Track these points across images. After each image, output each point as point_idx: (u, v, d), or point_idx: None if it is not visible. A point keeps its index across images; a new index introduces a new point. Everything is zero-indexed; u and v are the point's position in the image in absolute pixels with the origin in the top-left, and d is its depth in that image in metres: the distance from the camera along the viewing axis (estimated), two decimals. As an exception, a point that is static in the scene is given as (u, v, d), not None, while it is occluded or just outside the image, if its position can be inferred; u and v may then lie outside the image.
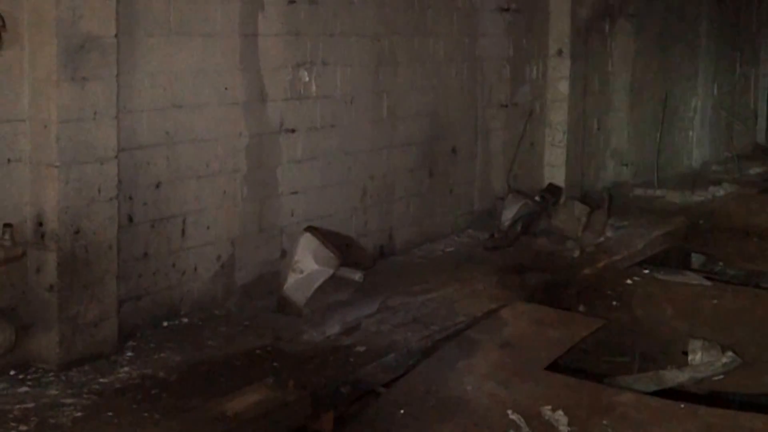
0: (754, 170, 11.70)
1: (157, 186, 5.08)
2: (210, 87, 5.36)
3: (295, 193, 6.00)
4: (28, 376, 4.34)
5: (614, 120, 9.99)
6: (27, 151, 4.43)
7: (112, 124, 4.64)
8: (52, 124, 4.38)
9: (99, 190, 4.58)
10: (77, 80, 4.44)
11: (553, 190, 8.15)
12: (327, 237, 5.48)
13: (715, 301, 6.35)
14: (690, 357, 5.16)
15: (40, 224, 4.44)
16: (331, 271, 5.43)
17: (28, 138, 4.42)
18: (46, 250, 4.44)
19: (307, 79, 6.06)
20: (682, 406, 4.44)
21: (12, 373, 4.35)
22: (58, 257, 4.43)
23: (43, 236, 4.44)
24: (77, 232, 4.50)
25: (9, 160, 4.38)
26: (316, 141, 6.16)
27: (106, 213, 4.63)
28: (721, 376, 5.05)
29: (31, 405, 4.03)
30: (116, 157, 4.68)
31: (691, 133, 11.82)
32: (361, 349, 4.93)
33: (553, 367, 4.93)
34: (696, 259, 7.61)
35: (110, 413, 3.98)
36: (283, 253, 5.83)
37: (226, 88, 5.45)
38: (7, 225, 4.28)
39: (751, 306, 6.28)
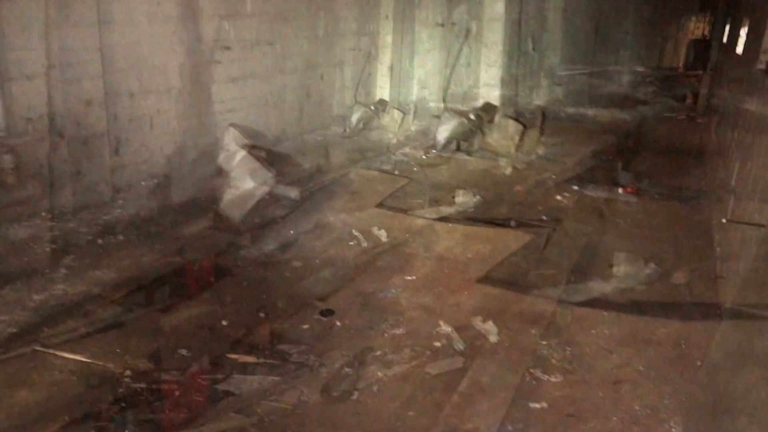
0: (681, 91, 11.93)
1: (88, 104, 5.02)
2: (142, 2, 5.27)
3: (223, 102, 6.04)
4: (-39, 294, 4.32)
5: (549, 41, 10.07)
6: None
7: (41, 39, 4.55)
8: (-22, 38, 4.29)
9: (29, 108, 4.51)
10: (3, -7, 4.34)
11: (488, 108, 8.23)
12: (251, 135, 5.49)
13: (640, 216, 6.55)
14: (615, 269, 5.34)
15: (-30, 142, 4.38)
16: (267, 189, 5.45)
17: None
18: (-24, 168, 4.39)
19: None
20: (606, 314, 4.62)
21: (-54, 290, 4.33)
22: (-10, 174, 4.39)
23: (-28, 154, 4.39)
24: (8, 152, 4.44)
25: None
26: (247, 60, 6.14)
27: (37, 131, 4.57)
28: (644, 287, 5.24)
29: (-35, 322, 4.03)
30: (46, 73, 4.60)
31: (622, 53, 11.99)
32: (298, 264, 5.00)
33: (485, 279, 5.06)
34: (623, 176, 7.78)
35: (46, 329, 4.00)
36: (219, 171, 5.82)
37: (158, 3, 5.37)
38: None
39: (674, 219, 6.49)
